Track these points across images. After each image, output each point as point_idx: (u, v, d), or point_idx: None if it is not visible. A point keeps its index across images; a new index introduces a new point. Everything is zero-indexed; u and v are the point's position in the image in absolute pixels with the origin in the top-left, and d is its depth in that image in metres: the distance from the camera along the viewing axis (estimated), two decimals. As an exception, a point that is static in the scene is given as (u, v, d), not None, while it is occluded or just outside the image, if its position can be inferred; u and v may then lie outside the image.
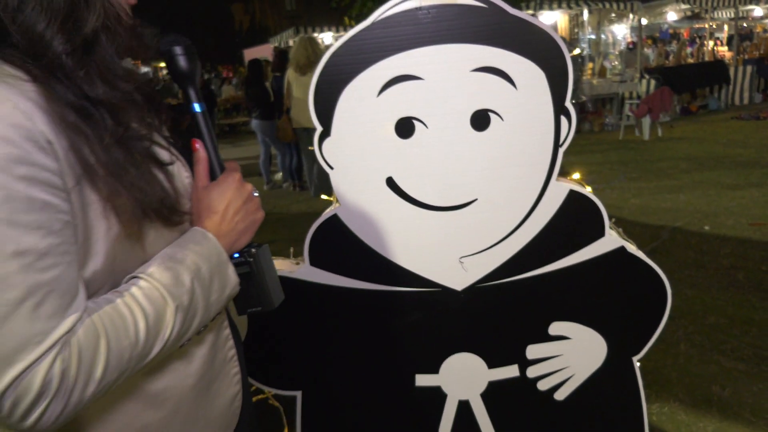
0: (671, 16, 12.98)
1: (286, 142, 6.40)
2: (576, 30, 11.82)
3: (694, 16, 13.48)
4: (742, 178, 5.55)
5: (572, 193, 1.33)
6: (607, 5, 9.99)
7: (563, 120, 1.28)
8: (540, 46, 1.23)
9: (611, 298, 1.41)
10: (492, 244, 1.34)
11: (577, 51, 10.17)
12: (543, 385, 1.44)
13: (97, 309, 0.66)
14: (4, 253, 0.59)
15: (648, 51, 13.12)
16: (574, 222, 1.34)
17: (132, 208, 0.69)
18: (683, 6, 11.41)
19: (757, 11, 13.16)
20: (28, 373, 0.59)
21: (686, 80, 10.09)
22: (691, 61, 12.37)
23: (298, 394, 1.46)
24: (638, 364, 1.45)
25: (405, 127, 1.26)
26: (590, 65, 10.74)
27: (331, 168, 1.30)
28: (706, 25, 13.88)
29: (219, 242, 0.80)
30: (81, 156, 0.66)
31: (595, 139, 8.51)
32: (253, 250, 0.86)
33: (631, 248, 1.39)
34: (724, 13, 12.93)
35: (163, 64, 0.88)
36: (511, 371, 1.43)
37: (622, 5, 9.99)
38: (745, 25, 14.59)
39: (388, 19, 1.21)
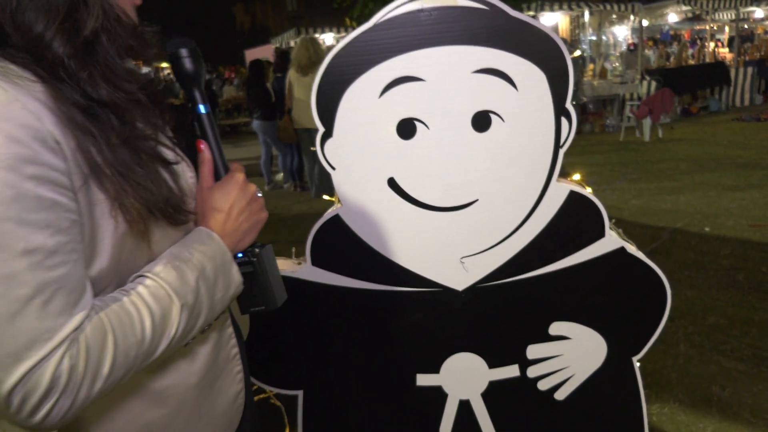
0: (672, 17, 13.01)
1: (288, 142, 6.40)
2: (577, 31, 11.84)
3: (695, 18, 13.50)
4: (742, 179, 5.55)
5: (573, 194, 1.34)
6: (608, 7, 10.00)
7: (564, 121, 1.29)
8: (541, 48, 1.24)
9: (611, 299, 1.42)
10: (493, 244, 1.35)
11: (577, 52, 10.18)
12: (543, 385, 1.45)
13: (104, 307, 0.67)
14: (14, 251, 0.59)
15: (649, 52, 13.11)
16: (575, 223, 1.35)
17: (138, 207, 0.70)
18: (684, 7, 11.42)
19: (758, 13, 13.16)
20: (37, 369, 0.60)
21: (687, 82, 10.08)
22: (691, 62, 12.35)
23: (300, 393, 1.46)
24: (638, 364, 1.46)
25: (406, 128, 1.27)
26: (591, 66, 10.76)
27: (333, 168, 1.30)
28: (707, 27, 13.85)
29: (223, 242, 0.80)
30: (88, 156, 0.66)
31: (595, 141, 8.51)
32: (257, 249, 0.87)
33: (631, 249, 1.39)
34: (725, 15, 12.93)
35: (164, 64, 0.89)
36: (512, 371, 1.44)
37: (623, 7, 9.99)
38: (746, 26, 14.57)
39: (390, 21, 1.22)
